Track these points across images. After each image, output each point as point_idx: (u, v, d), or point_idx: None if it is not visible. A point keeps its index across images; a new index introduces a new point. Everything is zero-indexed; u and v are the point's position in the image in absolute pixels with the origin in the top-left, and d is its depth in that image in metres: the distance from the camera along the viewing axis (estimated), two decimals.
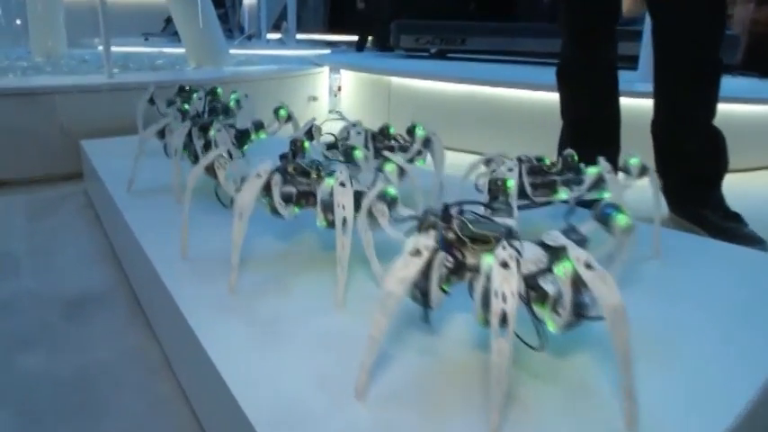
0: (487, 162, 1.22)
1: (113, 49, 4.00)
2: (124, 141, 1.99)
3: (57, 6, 3.40)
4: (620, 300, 0.56)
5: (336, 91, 3.79)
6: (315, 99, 3.15)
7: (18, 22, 4.81)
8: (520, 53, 3.69)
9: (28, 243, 1.52)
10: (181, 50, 4.37)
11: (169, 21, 6.28)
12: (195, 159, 1.37)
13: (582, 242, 0.68)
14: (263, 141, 1.45)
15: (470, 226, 0.70)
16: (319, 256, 1.06)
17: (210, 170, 0.98)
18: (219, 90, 1.80)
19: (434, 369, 0.73)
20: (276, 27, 6.52)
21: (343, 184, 0.86)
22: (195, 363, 0.83)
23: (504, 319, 0.57)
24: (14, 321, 1.15)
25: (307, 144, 1.16)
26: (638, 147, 1.20)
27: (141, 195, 1.39)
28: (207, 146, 1.38)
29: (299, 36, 6.09)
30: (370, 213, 0.80)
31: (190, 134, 1.34)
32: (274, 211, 0.95)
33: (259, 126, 1.42)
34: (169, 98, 1.74)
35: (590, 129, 1.88)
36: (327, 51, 5.40)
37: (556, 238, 0.66)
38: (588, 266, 0.58)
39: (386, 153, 0.98)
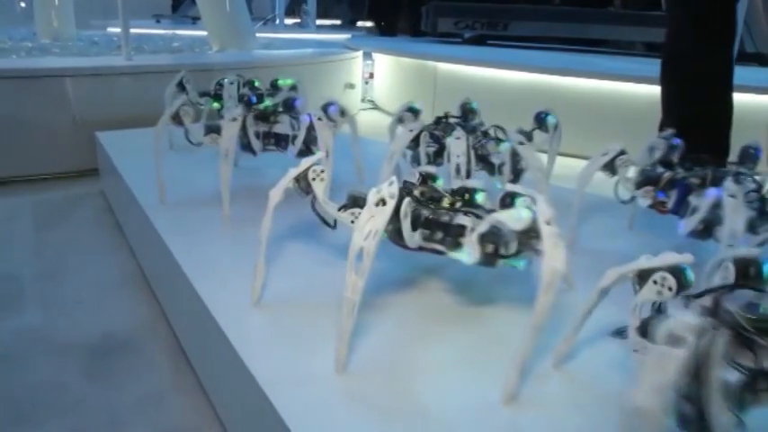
0: (609, 166, 0.93)
1: None
2: (147, 133, 1.69)
3: None
4: None
5: (368, 78, 3.48)
6: (352, 87, 2.83)
7: (23, 4, 4.52)
8: (570, 40, 3.38)
9: (35, 262, 1.23)
10: (196, 33, 4.06)
11: (178, 1, 5.95)
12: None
13: None
14: None
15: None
16: (465, 308, 0.77)
17: (302, 181, 0.69)
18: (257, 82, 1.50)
19: None
20: (292, 12, 6.19)
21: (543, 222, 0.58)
22: None
23: None
24: (15, 382, 0.86)
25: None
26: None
27: (180, 205, 1.10)
28: (267, 139, 1.09)
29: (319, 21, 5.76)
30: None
31: (244, 125, 1.05)
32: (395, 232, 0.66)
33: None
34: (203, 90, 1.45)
35: (698, 127, 1.59)
36: (348, 36, 5.09)
37: None
38: None
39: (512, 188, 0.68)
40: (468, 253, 0.64)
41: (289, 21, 6.11)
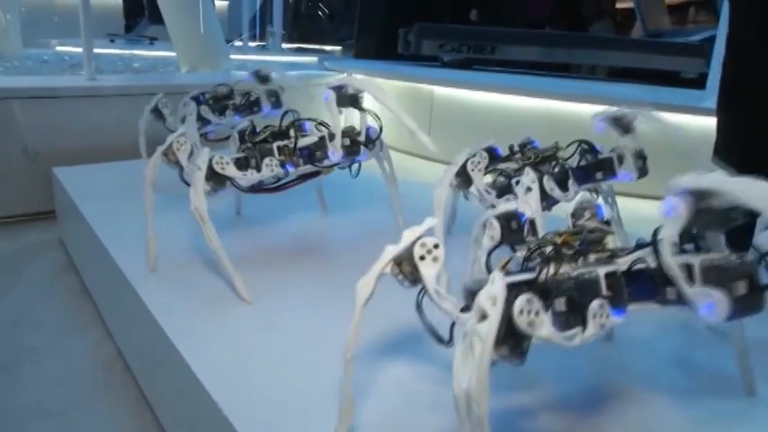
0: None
1: (73, 50, 3.36)
2: (115, 169, 1.40)
3: (11, 1, 2.77)
4: None
5: None
6: (340, 112, 2.58)
7: None
8: (560, 67, 3.23)
9: None
10: (157, 53, 3.78)
11: (132, 21, 5.61)
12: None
13: None
14: None
15: None
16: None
17: (406, 264, 0.43)
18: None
19: None
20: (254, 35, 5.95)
21: None
22: None
23: None
24: None
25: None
26: None
27: (175, 272, 0.82)
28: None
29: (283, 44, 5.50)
30: None
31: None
32: None
33: None
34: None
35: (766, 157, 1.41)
36: (314, 59, 4.88)
37: None
38: None
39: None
40: (709, 307, 0.42)
41: (252, 43, 5.85)
